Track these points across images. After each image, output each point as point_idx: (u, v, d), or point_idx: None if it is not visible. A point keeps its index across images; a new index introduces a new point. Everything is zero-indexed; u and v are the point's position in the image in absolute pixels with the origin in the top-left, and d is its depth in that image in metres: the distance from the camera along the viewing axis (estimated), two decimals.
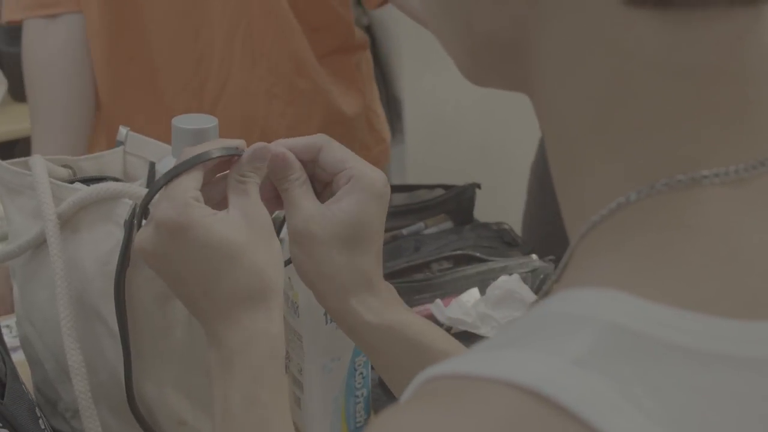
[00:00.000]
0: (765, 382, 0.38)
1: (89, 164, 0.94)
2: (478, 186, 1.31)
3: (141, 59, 1.29)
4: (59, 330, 0.82)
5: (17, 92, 2.15)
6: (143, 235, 0.65)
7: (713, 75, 0.41)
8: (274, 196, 0.70)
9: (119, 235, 0.78)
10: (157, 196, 0.68)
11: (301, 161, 0.70)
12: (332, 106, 1.35)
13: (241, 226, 0.64)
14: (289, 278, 0.88)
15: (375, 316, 0.68)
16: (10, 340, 0.94)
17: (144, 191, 0.78)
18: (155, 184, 0.65)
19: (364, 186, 0.69)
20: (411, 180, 2.60)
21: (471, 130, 2.62)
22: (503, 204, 1.76)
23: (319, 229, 0.67)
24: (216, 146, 0.68)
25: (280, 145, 0.70)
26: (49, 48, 1.29)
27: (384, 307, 0.69)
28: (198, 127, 0.79)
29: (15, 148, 2.14)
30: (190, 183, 0.65)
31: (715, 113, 0.42)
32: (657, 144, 0.42)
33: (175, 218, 0.63)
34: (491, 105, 2.60)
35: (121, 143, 0.97)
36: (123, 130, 0.98)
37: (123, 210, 0.79)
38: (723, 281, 0.40)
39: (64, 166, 0.92)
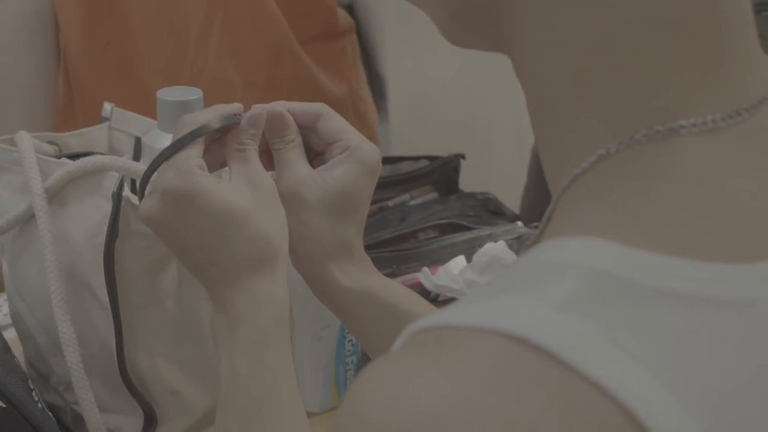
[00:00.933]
0: (744, 322, 0.39)
1: (75, 140, 0.94)
2: (463, 156, 1.32)
3: (118, 43, 1.29)
4: (50, 304, 0.83)
5: None
6: (148, 204, 0.66)
7: (689, 27, 0.42)
8: (266, 156, 0.71)
9: (107, 207, 0.79)
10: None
11: (299, 126, 0.70)
12: (316, 93, 1.34)
13: (245, 193, 0.65)
14: None
15: (353, 282, 0.70)
16: (2, 318, 0.95)
17: (131, 164, 0.79)
18: (160, 155, 0.65)
19: (359, 159, 0.70)
20: None
21: (455, 107, 2.63)
22: (488, 179, 1.77)
23: (309, 192, 0.68)
24: (215, 114, 0.68)
25: (280, 106, 0.70)
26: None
27: (362, 275, 0.70)
28: (183, 99, 0.80)
29: None
30: (193, 152, 0.66)
31: (691, 65, 0.43)
32: (635, 96, 0.43)
33: (181, 186, 0.64)
34: (474, 81, 2.61)
35: (106, 119, 0.98)
36: (108, 106, 0.98)
37: (110, 183, 0.79)
38: (702, 226, 0.41)
39: (50, 142, 0.92)
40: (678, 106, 0.42)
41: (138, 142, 0.96)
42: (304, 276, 0.71)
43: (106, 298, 0.80)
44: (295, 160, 0.69)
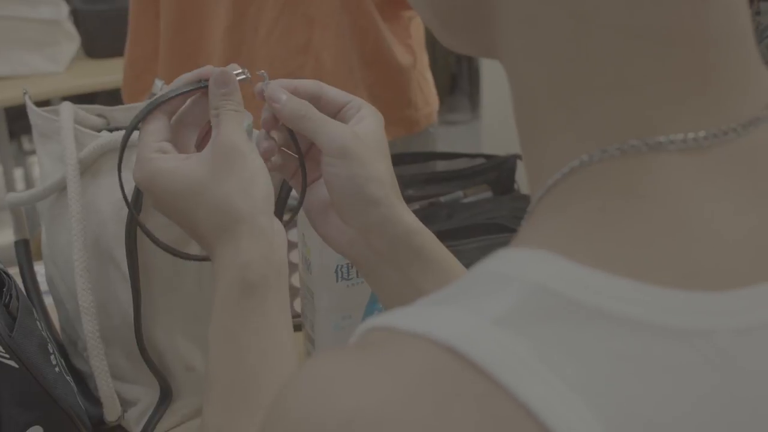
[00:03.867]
0: (694, 353, 0.37)
1: (123, 114, 0.96)
2: (519, 157, 1.30)
3: None
4: None
5: (91, 48, 2.21)
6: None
7: (674, 37, 0.40)
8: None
9: None
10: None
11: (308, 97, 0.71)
12: (380, 50, 1.35)
13: (205, 161, 0.65)
14: (303, 235, 0.89)
15: (417, 222, 0.69)
16: (44, 283, 0.97)
17: None
18: (122, 139, 0.69)
19: (375, 112, 0.71)
20: None
21: None
22: None
23: (364, 137, 0.68)
24: (177, 83, 0.69)
25: (280, 88, 0.70)
26: None
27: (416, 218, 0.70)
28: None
29: (93, 102, 2.21)
30: (150, 137, 0.67)
31: (675, 77, 0.40)
32: (613, 108, 0.41)
33: (140, 176, 0.66)
34: None
35: (155, 95, 0.99)
36: (158, 83, 1.00)
37: None
38: (664, 249, 0.39)
39: (99, 115, 0.94)
40: (659, 121, 0.40)
41: None
42: (367, 228, 0.68)
43: (127, 271, 0.81)
44: (328, 119, 0.69)
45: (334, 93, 0.71)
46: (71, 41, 2.15)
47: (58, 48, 2.10)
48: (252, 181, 0.64)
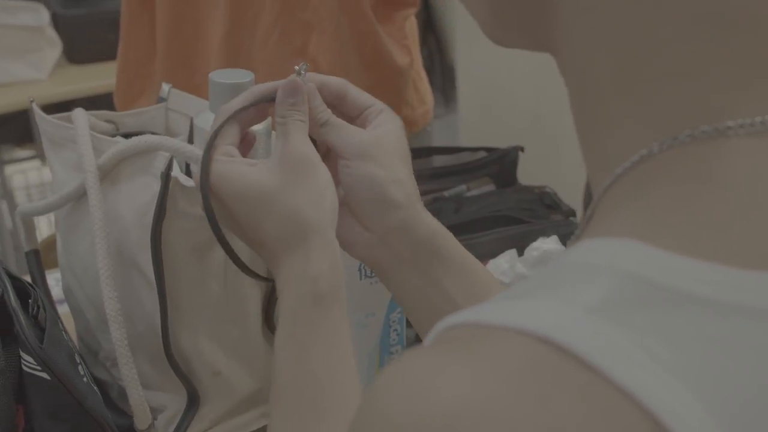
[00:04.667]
0: None
1: (132, 120, 0.95)
2: (521, 149, 1.30)
3: None
4: (98, 280, 0.84)
5: (72, 54, 2.19)
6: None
7: (740, 21, 0.40)
8: None
9: (157, 186, 0.80)
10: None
11: (333, 97, 0.70)
12: (378, 52, 1.35)
13: (275, 170, 0.64)
14: None
15: (438, 224, 0.69)
16: (58, 292, 0.96)
17: (181, 144, 0.80)
18: (204, 153, 0.66)
19: (395, 117, 0.71)
20: None
21: (524, 99, 2.60)
22: (552, 173, 1.75)
23: (383, 141, 0.68)
24: (248, 95, 0.69)
25: (315, 92, 0.70)
26: None
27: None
28: (235, 81, 0.80)
29: (71, 109, 2.18)
30: (218, 140, 0.66)
31: (740, 62, 0.41)
32: (681, 95, 0.41)
33: (212, 180, 0.65)
34: (545, 74, 2.58)
35: (164, 99, 0.99)
36: (165, 87, 0.99)
37: (161, 162, 0.80)
38: (744, 232, 0.39)
39: (108, 120, 0.93)
40: (725, 105, 0.41)
41: (193, 123, 0.98)
42: (387, 231, 0.68)
43: (152, 277, 0.81)
44: (349, 125, 0.69)
45: (358, 95, 0.71)
46: (53, 47, 2.12)
47: (41, 54, 2.08)
48: (322, 194, 0.64)
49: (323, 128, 0.68)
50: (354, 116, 0.71)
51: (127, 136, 0.90)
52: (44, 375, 0.73)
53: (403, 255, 0.68)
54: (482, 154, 1.30)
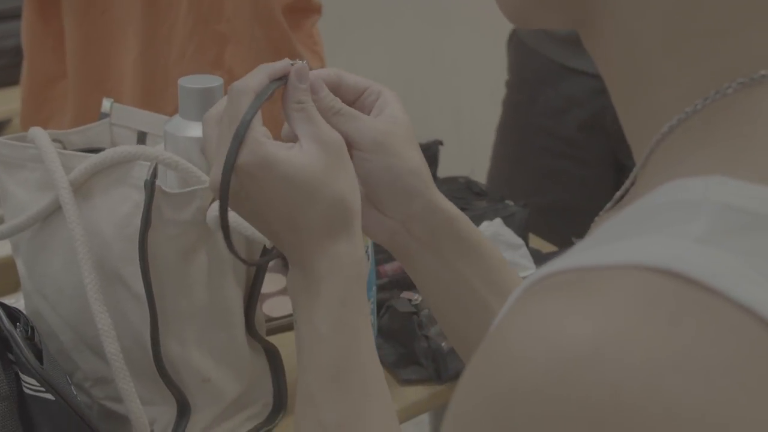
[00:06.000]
0: None
1: (78, 137, 0.94)
2: (441, 143, 1.34)
3: (111, 13, 1.29)
4: (76, 299, 0.83)
5: None
6: (216, 180, 0.64)
7: None
8: None
9: (136, 197, 0.79)
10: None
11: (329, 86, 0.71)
12: (297, 58, 1.36)
13: (317, 155, 0.64)
14: None
15: (455, 211, 0.70)
16: None
17: (161, 152, 0.79)
18: (237, 132, 0.62)
19: (394, 96, 0.71)
20: None
21: (442, 94, 2.67)
22: (471, 162, 1.82)
23: (395, 129, 0.69)
24: (264, 75, 0.67)
25: (321, 82, 0.70)
26: None
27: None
28: (205, 86, 0.80)
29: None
30: (256, 122, 0.64)
31: None
32: (726, 50, 0.45)
33: (253, 160, 0.62)
34: (408, 79, 2.65)
35: (106, 115, 0.97)
36: (107, 103, 0.98)
37: (139, 172, 0.79)
38: None
39: (54, 140, 0.91)
40: (765, 55, 0.45)
41: (141, 136, 0.97)
42: (408, 218, 0.69)
43: (138, 289, 0.80)
44: (358, 113, 0.69)
45: (352, 80, 0.72)
46: None
47: None
48: (355, 178, 0.65)
49: (336, 117, 0.68)
50: (351, 100, 0.71)
51: (99, 150, 0.89)
52: (48, 396, 0.71)
53: (423, 239, 0.70)
54: None
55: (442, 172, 1.40)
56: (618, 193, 0.54)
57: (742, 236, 0.40)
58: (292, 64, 0.69)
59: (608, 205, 0.56)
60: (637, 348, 0.38)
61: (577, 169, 1.47)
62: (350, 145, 0.68)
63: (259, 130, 0.63)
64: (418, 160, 0.69)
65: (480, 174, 1.55)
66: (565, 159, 1.47)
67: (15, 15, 2.02)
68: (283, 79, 0.67)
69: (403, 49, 2.75)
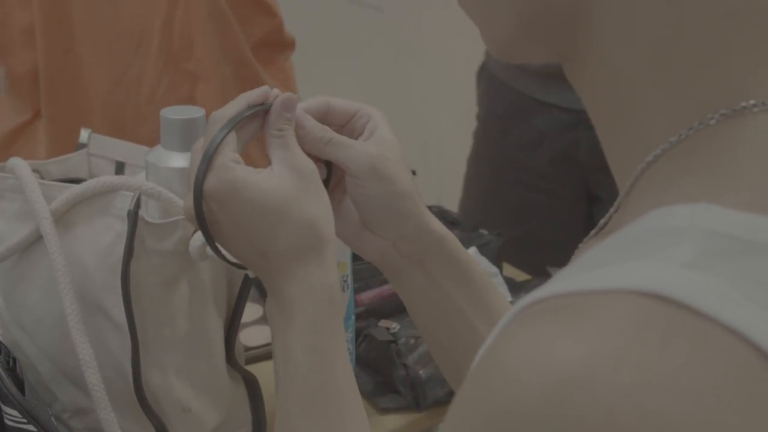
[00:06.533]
0: None
1: (56, 167, 0.94)
2: (413, 172, 1.35)
3: (75, 52, 1.30)
4: (56, 329, 0.82)
5: None
6: (189, 206, 0.65)
7: (752, 14, 0.47)
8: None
9: (119, 227, 0.79)
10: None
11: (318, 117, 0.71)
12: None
13: (288, 180, 0.64)
14: None
15: (445, 231, 0.71)
16: None
17: (143, 182, 0.79)
18: (204, 156, 0.64)
19: (383, 118, 0.72)
20: None
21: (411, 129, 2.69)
22: (438, 191, 1.82)
23: (387, 153, 0.69)
24: (244, 103, 0.68)
25: (305, 114, 0.71)
26: None
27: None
28: (187, 117, 0.81)
29: None
30: (226, 148, 0.65)
31: (757, 48, 0.47)
32: (710, 80, 0.47)
33: (220, 185, 0.63)
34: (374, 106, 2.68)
35: (84, 145, 0.98)
36: (84, 133, 0.98)
37: (121, 202, 0.79)
38: None
39: (33, 170, 0.91)
40: (747, 88, 0.47)
41: (119, 167, 0.97)
42: (399, 238, 0.70)
43: (119, 319, 0.80)
44: (347, 139, 0.70)
45: (341, 104, 0.72)
46: None
47: None
48: (329, 205, 0.66)
49: (328, 147, 0.69)
50: (341, 124, 0.72)
51: (79, 181, 0.89)
52: (30, 428, 0.71)
53: (412, 258, 0.71)
54: None
55: None
56: (602, 221, 0.56)
57: (727, 261, 0.42)
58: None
59: (592, 232, 0.57)
60: (630, 370, 0.39)
61: (550, 201, 1.49)
62: (344, 172, 0.70)
63: (228, 155, 0.64)
64: (410, 182, 0.70)
65: (447, 202, 1.56)
66: (537, 192, 1.50)
67: None
68: (262, 105, 0.68)
69: (371, 79, 2.77)
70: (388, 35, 2.69)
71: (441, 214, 1.28)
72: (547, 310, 0.43)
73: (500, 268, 1.17)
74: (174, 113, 0.81)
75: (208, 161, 0.63)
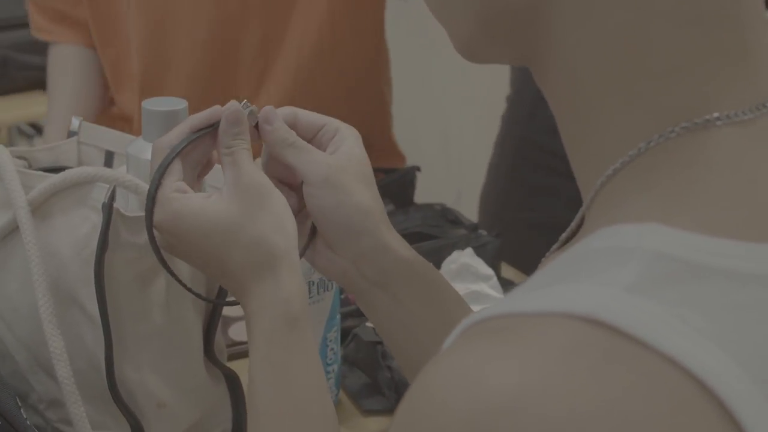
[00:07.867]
0: None
1: (44, 155, 0.93)
2: (418, 169, 1.34)
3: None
4: (31, 320, 0.81)
5: None
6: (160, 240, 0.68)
7: (718, 21, 0.45)
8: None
9: (95, 219, 0.78)
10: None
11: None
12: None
13: (233, 200, 0.65)
14: None
15: (407, 250, 0.69)
16: None
17: (119, 174, 0.78)
18: (149, 193, 0.67)
19: (353, 133, 0.71)
20: None
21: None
22: (458, 184, 1.81)
23: (348, 166, 0.68)
24: (186, 128, 0.68)
25: (276, 114, 0.70)
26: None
27: (405, 245, 0.70)
28: (168, 109, 0.80)
29: None
30: (168, 179, 0.66)
31: (721, 58, 0.45)
32: (672, 91, 0.45)
33: (165, 217, 0.65)
34: (398, 99, 2.65)
35: (75, 133, 0.97)
36: (75, 121, 0.97)
37: (98, 194, 0.78)
38: (745, 210, 0.43)
39: (19, 157, 0.90)
40: (711, 99, 0.45)
41: (108, 156, 0.96)
42: (358, 257, 0.69)
43: (94, 311, 0.79)
44: (313, 151, 0.69)
45: (308, 117, 0.72)
46: None
47: None
48: (282, 218, 0.65)
49: (289, 149, 0.68)
50: (309, 138, 0.71)
51: (61, 170, 0.88)
52: None
53: (371, 279, 0.69)
54: (379, 175, 1.33)
55: (428, 195, 1.40)
56: (564, 235, 0.54)
57: (670, 285, 0.41)
58: (242, 104, 0.69)
59: (555, 245, 0.55)
60: (557, 401, 0.38)
61: (570, 185, 1.45)
62: (300, 179, 0.68)
63: (170, 186, 0.65)
64: (369, 198, 0.68)
65: (468, 197, 1.54)
66: (558, 176, 1.47)
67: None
68: (210, 127, 0.68)
69: (393, 70, 2.75)
70: (411, 25, 2.67)
71: (443, 212, 1.26)
72: (486, 332, 0.42)
73: (498, 269, 1.15)
74: (155, 105, 0.80)
75: (152, 198, 0.66)
